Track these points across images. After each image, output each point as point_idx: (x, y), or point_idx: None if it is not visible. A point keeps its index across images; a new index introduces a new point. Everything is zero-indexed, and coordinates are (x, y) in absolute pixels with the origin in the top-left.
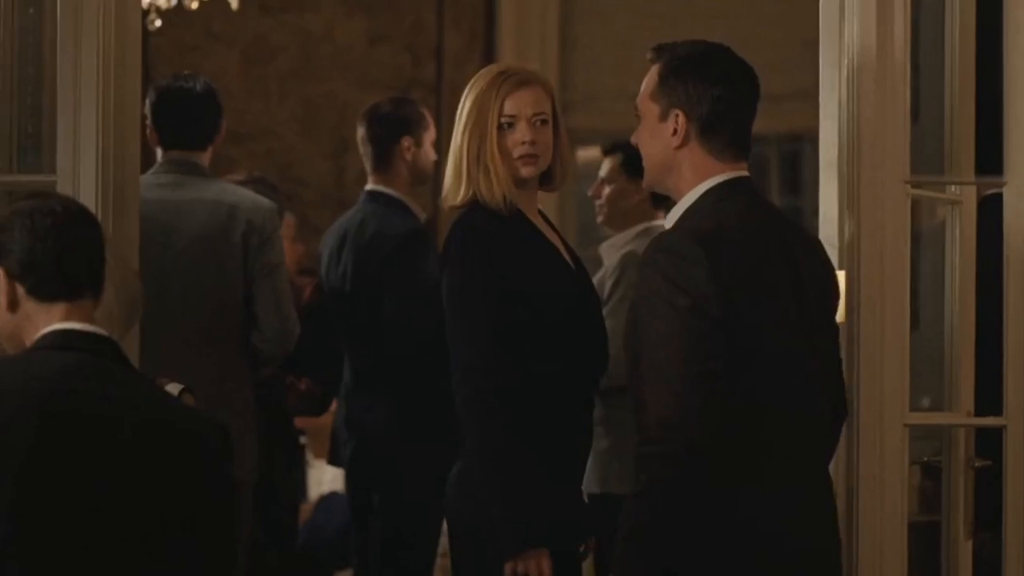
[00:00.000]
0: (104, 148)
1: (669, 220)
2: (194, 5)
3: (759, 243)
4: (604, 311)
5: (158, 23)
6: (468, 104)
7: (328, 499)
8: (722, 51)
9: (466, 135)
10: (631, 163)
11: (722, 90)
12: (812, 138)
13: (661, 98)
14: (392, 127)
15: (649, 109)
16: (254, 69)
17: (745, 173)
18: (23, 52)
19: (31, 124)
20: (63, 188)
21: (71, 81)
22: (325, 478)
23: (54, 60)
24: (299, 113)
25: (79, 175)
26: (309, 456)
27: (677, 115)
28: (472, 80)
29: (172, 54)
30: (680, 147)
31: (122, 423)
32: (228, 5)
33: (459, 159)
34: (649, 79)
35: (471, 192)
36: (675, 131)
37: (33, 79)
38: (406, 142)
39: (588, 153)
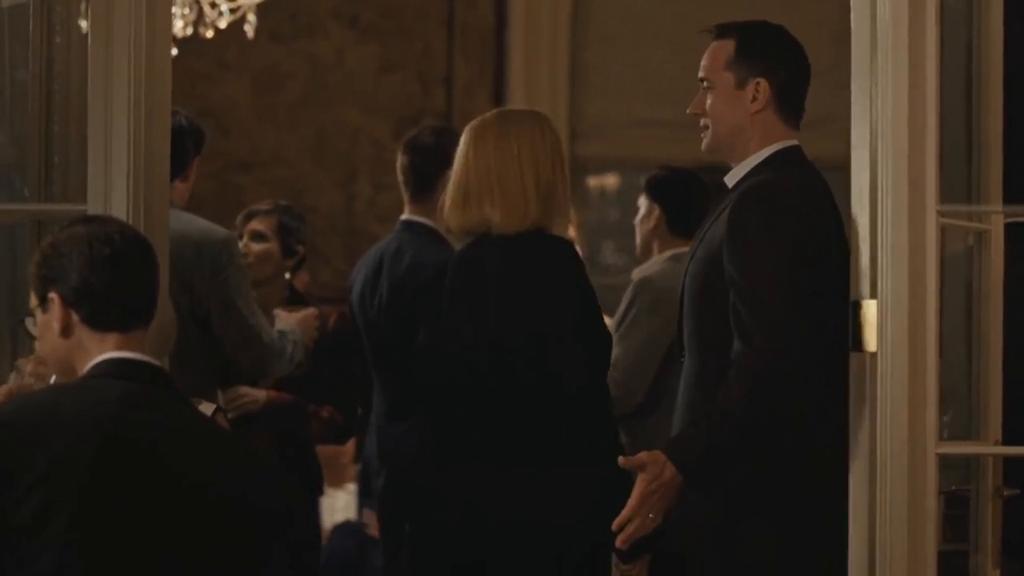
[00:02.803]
0: (135, 177)
1: (732, 178)
2: (209, 34)
3: (826, 201)
4: (616, 336)
5: (173, 51)
6: (550, 140)
7: (342, 527)
8: (785, 29)
9: (556, 169)
10: (648, 188)
11: (794, 62)
12: (820, 166)
13: (739, 68)
14: (434, 158)
15: (724, 79)
16: (264, 97)
17: (797, 142)
18: (51, 81)
19: (59, 153)
20: None
21: (102, 110)
22: (338, 506)
23: (82, 89)
24: (309, 141)
25: (110, 205)
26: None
27: (759, 83)
28: (532, 120)
29: (184, 82)
30: (758, 112)
31: (177, 452)
32: (239, 34)
33: (548, 190)
34: (719, 51)
35: (547, 221)
36: (755, 97)
37: (61, 107)
38: (448, 174)
39: (597, 181)
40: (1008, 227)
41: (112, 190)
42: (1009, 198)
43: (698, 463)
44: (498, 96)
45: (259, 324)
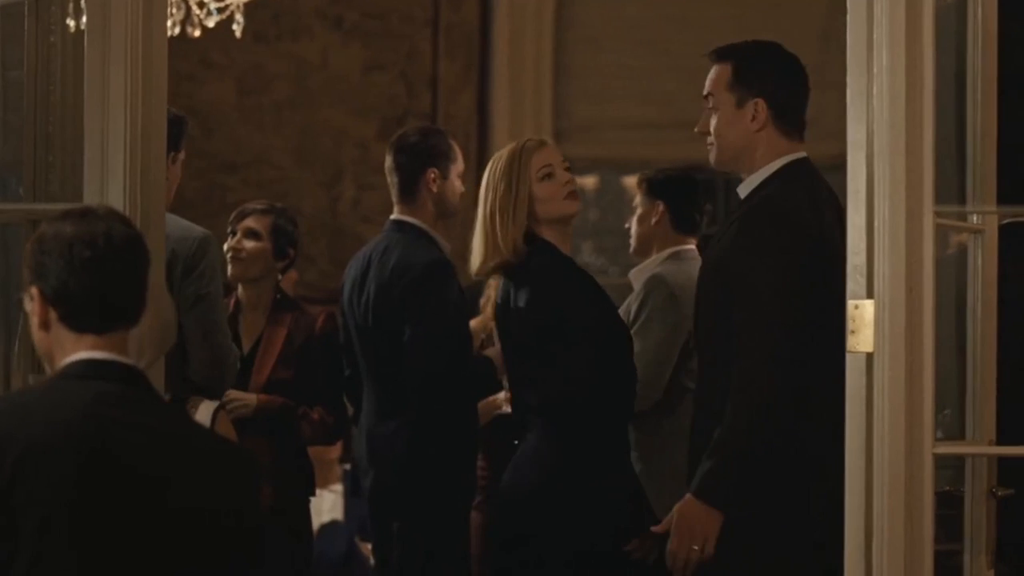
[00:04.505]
0: (131, 177)
1: (744, 190)
2: (196, 33)
3: (831, 213)
4: (631, 333)
5: None
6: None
7: (328, 528)
8: (780, 47)
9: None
10: (650, 186)
11: (789, 78)
12: None
13: (738, 89)
14: (418, 157)
15: (726, 99)
16: (249, 98)
17: (805, 153)
18: (44, 80)
19: (52, 152)
20: None
21: (98, 109)
22: (324, 507)
23: (75, 88)
24: (294, 142)
25: (106, 203)
26: None
27: (757, 103)
28: None
29: (168, 83)
30: (759, 131)
31: (151, 453)
32: (223, 34)
33: None
34: (720, 74)
35: None
36: (754, 117)
37: (55, 107)
38: (431, 173)
39: (583, 182)
40: (1002, 227)
41: (109, 189)
42: (1002, 198)
43: (730, 491)
44: (483, 97)
45: (221, 324)
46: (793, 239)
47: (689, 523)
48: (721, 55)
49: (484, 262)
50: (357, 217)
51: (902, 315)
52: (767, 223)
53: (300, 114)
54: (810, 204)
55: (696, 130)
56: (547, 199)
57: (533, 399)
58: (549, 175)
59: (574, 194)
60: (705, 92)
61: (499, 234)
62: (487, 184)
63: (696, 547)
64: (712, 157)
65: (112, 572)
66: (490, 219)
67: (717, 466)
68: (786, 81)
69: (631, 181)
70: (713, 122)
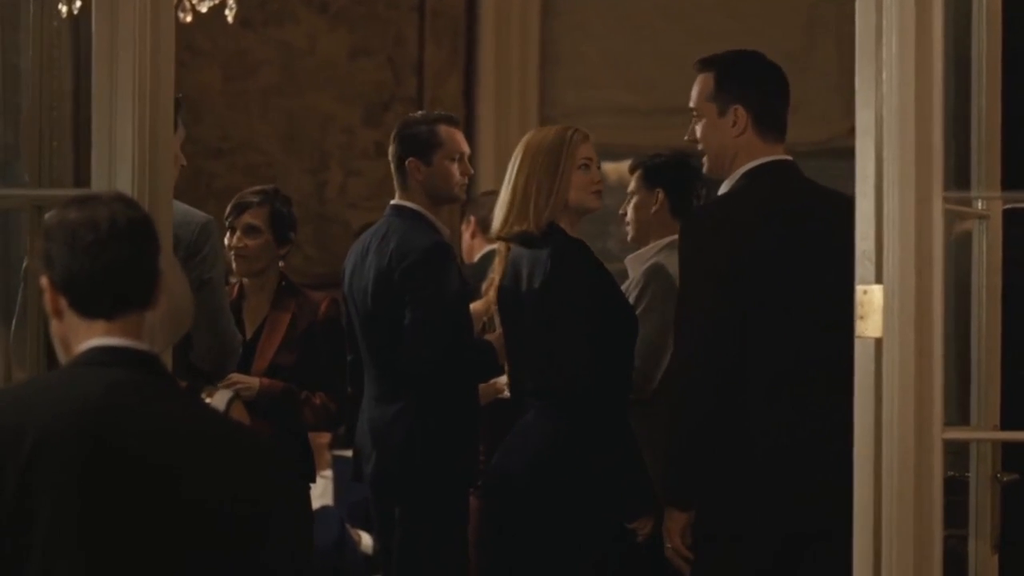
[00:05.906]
0: (140, 164)
1: (722, 191)
2: (188, 19)
3: (765, 214)
4: None
5: None
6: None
7: (319, 513)
8: (760, 56)
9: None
10: (647, 174)
11: (768, 85)
12: (794, 153)
13: (720, 98)
14: (399, 147)
15: (708, 109)
16: (235, 83)
17: (783, 155)
18: (49, 66)
19: (57, 138)
20: None
21: (107, 94)
22: (316, 492)
23: (80, 73)
24: (280, 127)
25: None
26: None
27: (736, 110)
28: None
29: None
30: (739, 136)
31: (164, 442)
32: (209, 20)
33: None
34: (703, 84)
35: None
36: (735, 123)
37: (59, 92)
38: (410, 163)
39: None
40: (1005, 213)
41: (117, 174)
42: (1007, 184)
43: (677, 489)
44: (469, 82)
45: (225, 309)
46: (697, 247)
47: (665, 524)
48: (704, 65)
49: (506, 226)
50: (343, 203)
51: (911, 300)
52: (683, 234)
53: (286, 100)
54: (750, 201)
55: (685, 139)
56: (578, 188)
57: (533, 383)
58: (586, 167)
59: (599, 193)
60: (691, 103)
61: (533, 206)
62: (527, 155)
63: (668, 544)
64: (704, 166)
65: (125, 563)
66: (524, 188)
67: (663, 468)
68: (765, 87)
69: (616, 167)
70: (699, 130)
